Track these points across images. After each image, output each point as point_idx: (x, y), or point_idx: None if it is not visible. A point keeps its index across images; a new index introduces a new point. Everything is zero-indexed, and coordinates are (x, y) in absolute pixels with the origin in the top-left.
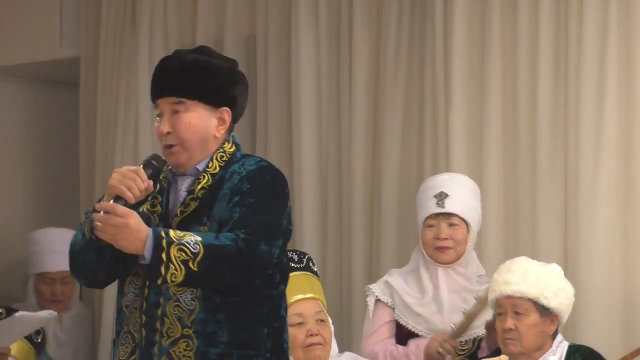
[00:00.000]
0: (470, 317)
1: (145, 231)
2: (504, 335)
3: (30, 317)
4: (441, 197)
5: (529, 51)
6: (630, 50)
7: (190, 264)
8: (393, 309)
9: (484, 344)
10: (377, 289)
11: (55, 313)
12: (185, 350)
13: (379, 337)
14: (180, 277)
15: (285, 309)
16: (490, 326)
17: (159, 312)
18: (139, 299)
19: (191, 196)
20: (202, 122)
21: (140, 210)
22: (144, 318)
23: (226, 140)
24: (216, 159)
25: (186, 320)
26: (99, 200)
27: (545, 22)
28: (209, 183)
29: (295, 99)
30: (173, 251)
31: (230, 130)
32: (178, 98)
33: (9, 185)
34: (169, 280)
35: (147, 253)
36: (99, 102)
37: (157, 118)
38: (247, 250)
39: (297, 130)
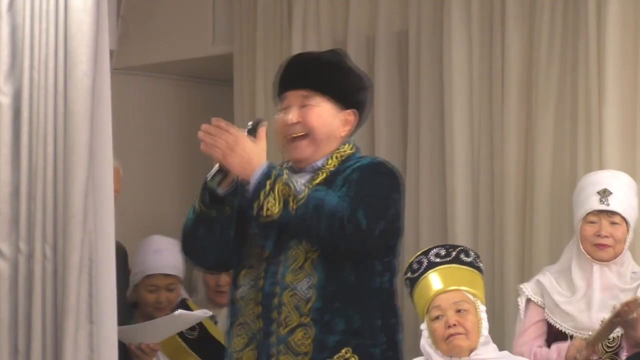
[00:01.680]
0: (608, 326)
1: (258, 160)
2: None
3: (187, 316)
4: (605, 194)
5: None
6: None
7: (290, 202)
8: (543, 308)
9: (624, 343)
10: (528, 288)
11: (210, 313)
12: (303, 338)
13: (528, 337)
14: (276, 210)
15: (398, 308)
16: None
17: (276, 301)
18: (254, 290)
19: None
20: (330, 118)
21: None
22: (259, 309)
23: (347, 142)
24: (335, 157)
25: (303, 309)
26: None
27: None
28: (325, 178)
29: (448, 96)
30: (279, 184)
31: (351, 133)
32: (310, 91)
33: (162, 184)
34: (264, 210)
35: (254, 177)
36: (255, 99)
37: (281, 112)
38: (347, 213)
39: (449, 127)
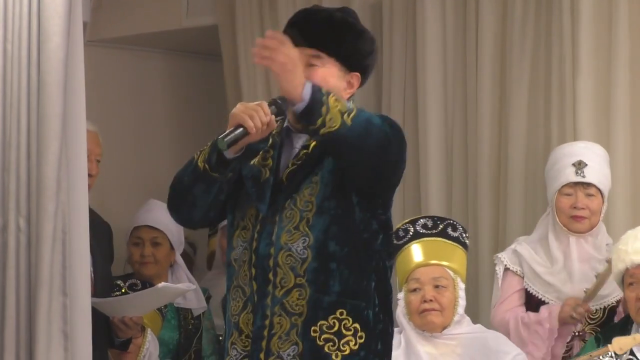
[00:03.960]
0: (602, 280)
1: (303, 77)
2: (637, 304)
3: (170, 289)
4: (580, 166)
5: None
6: None
7: (345, 116)
8: (522, 277)
9: (620, 309)
10: (505, 257)
11: (194, 286)
12: (298, 299)
13: (509, 305)
14: (336, 125)
15: (391, 269)
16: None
17: (271, 263)
18: (247, 252)
19: (305, 151)
20: (335, 81)
21: (252, 163)
22: (253, 271)
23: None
24: None
25: (299, 270)
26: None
27: None
28: None
29: (421, 71)
30: (331, 99)
31: (352, 95)
32: (318, 51)
33: (148, 153)
34: (327, 124)
35: (307, 94)
36: (239, 71)
37: None
38: (390, 128)
39: (422, 99)
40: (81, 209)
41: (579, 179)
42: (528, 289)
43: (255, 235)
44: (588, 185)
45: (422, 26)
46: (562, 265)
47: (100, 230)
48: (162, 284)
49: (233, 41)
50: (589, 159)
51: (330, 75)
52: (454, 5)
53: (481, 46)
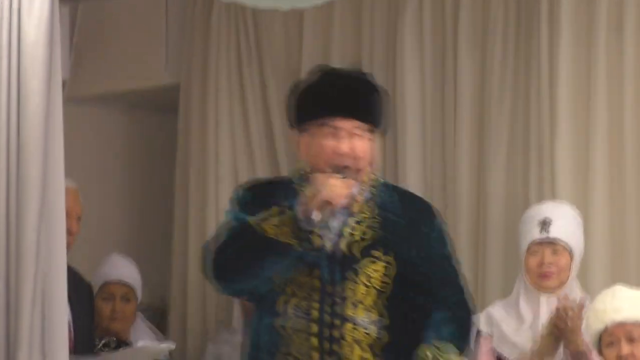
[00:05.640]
0: (551, 338)
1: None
2: None
3: (150, 348)
4: (545, 223)
5: (636, 77)
6: None
7: None
8: (492, 337)
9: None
10: (480, 319)
11: (174, 346)
12: None
13: None
14: None
15: None
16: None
17: (336, 334)
18: (304, 320)
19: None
20: (373, 148)
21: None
22: (314, 341)
23: None
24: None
25: (363, 343)
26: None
27: None
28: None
29: (401, 126)
30: None
31: None
32: (366, 124)
33: (111, 213)
34: None
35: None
36: (207, 129)
37: (327, 135)
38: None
39: (402, 157)
40: (60, 270)
41: (543, 236)
42: (497, 349)
43: (316, 304)
44: (553, 242)
45: (402, 81)
46: (529, 325)
47: (81, 288)
48: (141, 343)
49: (200, 99)
50: (555, 216)
51: (370, 145)
52: (432, 61)
53: (459, 102)
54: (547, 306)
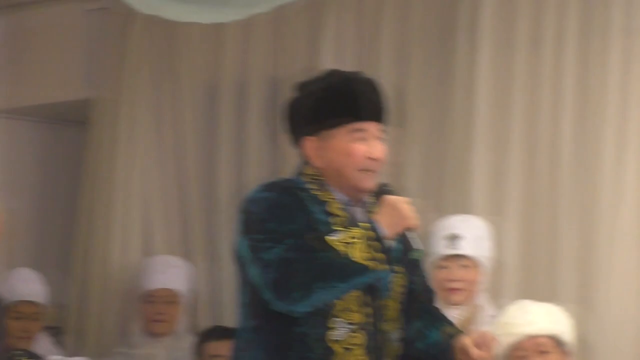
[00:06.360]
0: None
1: None
2: None
3: None
4: (453, 238)
5: (553, 92)
6: None
7: None
8: None
9: None
10: None
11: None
12: None
13: None
14: None
15: None
16: None
17: (381, 349)
18: (360, 335)
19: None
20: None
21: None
22: (365, 357)
23: None
24: None
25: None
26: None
27: (569, 68)
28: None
29: None
30: None
31: None
32: (384, 127)
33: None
34: None
35: None
36: (118, 144)
37: (357, 140)
38: None
39: None
40: None
41: (450, 251)
42: None
43: (369, 319)
44: (461, 257)
45: None
46: None
47: None
48: (55, 358)
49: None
50: (463, 230)
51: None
52: None
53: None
54: (456, 322)
